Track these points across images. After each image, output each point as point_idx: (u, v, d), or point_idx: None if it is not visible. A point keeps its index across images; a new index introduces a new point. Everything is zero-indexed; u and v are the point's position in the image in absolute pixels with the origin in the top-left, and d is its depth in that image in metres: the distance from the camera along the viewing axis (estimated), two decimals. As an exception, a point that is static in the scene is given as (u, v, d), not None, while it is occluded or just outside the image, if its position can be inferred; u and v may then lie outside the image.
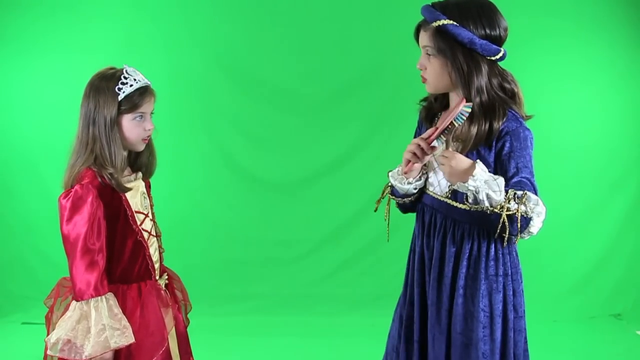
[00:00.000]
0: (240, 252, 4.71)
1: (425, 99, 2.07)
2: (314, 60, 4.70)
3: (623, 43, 4.64)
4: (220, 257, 4.66)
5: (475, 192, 1.74)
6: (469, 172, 1.74)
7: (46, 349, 1.98)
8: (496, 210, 1.75)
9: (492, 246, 1.88)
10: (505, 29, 1.88)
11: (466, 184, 1.75)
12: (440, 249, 1.94)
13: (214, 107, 4.69)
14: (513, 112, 1.88)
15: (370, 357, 3.79)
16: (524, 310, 1.95)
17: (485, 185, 1.73)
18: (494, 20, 1.85)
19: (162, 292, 2.10)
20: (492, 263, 1.88)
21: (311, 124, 4.74)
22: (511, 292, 1.90)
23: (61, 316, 1.98)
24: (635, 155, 4.66)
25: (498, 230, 1.77)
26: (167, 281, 2.19)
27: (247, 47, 4.71)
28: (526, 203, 1.75)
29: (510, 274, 1.91)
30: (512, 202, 1.74)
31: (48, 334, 2.01)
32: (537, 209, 1.76)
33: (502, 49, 1.87)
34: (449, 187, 1.91)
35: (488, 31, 1.83)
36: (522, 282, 1.96)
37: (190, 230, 4.60)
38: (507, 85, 1.88)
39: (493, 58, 1.85)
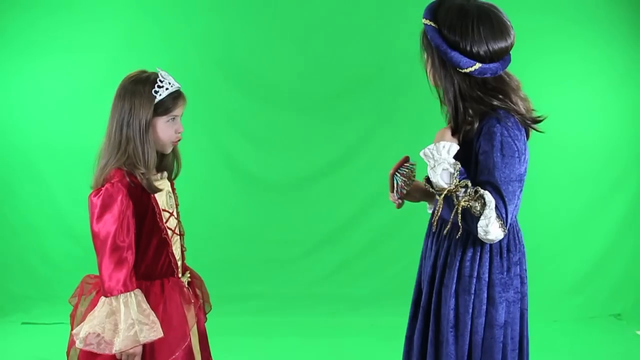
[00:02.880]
0: (240, 252, 4.71)
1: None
2: (314, 60, 4.70)
3: (622, 42, 4.64)
4: (220, 257, 4.66)
5: (428, 157, 1.82)
6: (443, 138, 1.83)
7: (70, 343, 2.03)
8: (439, 192, 1.77)
9: (471, 247, 1.85)
10: (487, 51, 1.80)
11: (430, 147, 1.82)
12: (428, 245, 2.01)
13: (214, 107, 4.69)
14: (503, 111, 1.83)
15: (370, 357, 3.80)
16: (505, 320, 1.85)
17: (435, 162, 1.79)
18: (471, 33, 1.79)
19: (185, 289, 2.15)
20: (467, 264, 1.85)
21: (311, 124, 4.74)
22: (485, 297, 1.84)
23: (86, 312, 2.01)
24: (635, 155, 4.66)
25: (436, 217, 1.80)
26: (189, 279, 2.24)
27: (247, 47, 4.71)
28: (476, 200, 1.72)
29: (487, 279, 1.84)
30: (460, 191, 1.74)
31: (72, 332, 2.04)
32: (485, 211, 1.72)
33: (474, 62, 1.80)
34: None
35: (460, 42, 1.79)
36: (509, 290, 1.87)
37: (190, 230, 4.56)
38: (486, 100, 1.83)
39: (462, 70, 1.81)
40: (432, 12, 1.84)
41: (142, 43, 4.58)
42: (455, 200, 1.75)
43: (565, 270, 4.63)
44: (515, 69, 4.62)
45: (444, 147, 1.80)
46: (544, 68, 4.59)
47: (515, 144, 1.78)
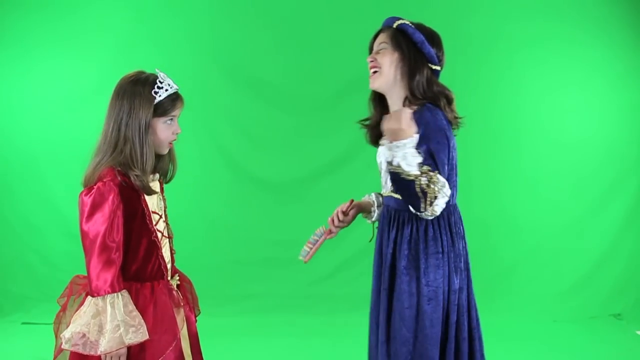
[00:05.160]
0: (240, 252, 4.71)
1: (365, 120, 2.43)
2: (314, 60, 4.71)
3: (621, 45, 4.65)
4: (220, 257, 4.67)
5: (393, 155, 1.94)
6: (401, 136, 1.94)
7: (58, 348, 2.01)
8: (409, 178, 1.91)
9: (430, 228, 2.09)
10: (442, 59, 2.20)
11: (392, 144, 1.94)
12: (386, 235, 2.24)
13: (213, 107, 4.69)
14: (432, 105, 2.11)
15: (370, 357, 3.80)
16: (459, 287, 2.11)
17: (401, 154, 1.92)
18: (439, 43, 2.20)
19: (174, 292, 2.13)
20: (431, 243, 2.09)
21: (311, 124, 4.74)
22: (447, 269, 2.09)
23: (75, 312, 1.99)
24: (635, 155, 4.67)
25: (412, 200, 1.93)
26: (178, 282, 2.22)
27: (246, 47, 4.71)
28: (435, 182, 1.91)
29: (447, 251, 2.09)
30: (424, 176, 1.91)
31: (58, 332, 2.03)
32: (444, 190, 1.93)
33: (438, 63, 2.18)
34: (392, 185, 2.16)
35: (431, 43, 2.17)
36: (460, 260, 2.13)
37: (190, 231, 4.59)
38: (442, 92, 2.14)
39: (432, 66, 2.16)
40: (402, 19, 2.21)
41: (141, 44, 4.59)
42: (424, 184, 1.91)
43: (565, 270, 4.63)
44: (518, 72, 4.66)
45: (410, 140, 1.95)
46: (545, 71, 4.61)
47: (446, 133, 2.04)
